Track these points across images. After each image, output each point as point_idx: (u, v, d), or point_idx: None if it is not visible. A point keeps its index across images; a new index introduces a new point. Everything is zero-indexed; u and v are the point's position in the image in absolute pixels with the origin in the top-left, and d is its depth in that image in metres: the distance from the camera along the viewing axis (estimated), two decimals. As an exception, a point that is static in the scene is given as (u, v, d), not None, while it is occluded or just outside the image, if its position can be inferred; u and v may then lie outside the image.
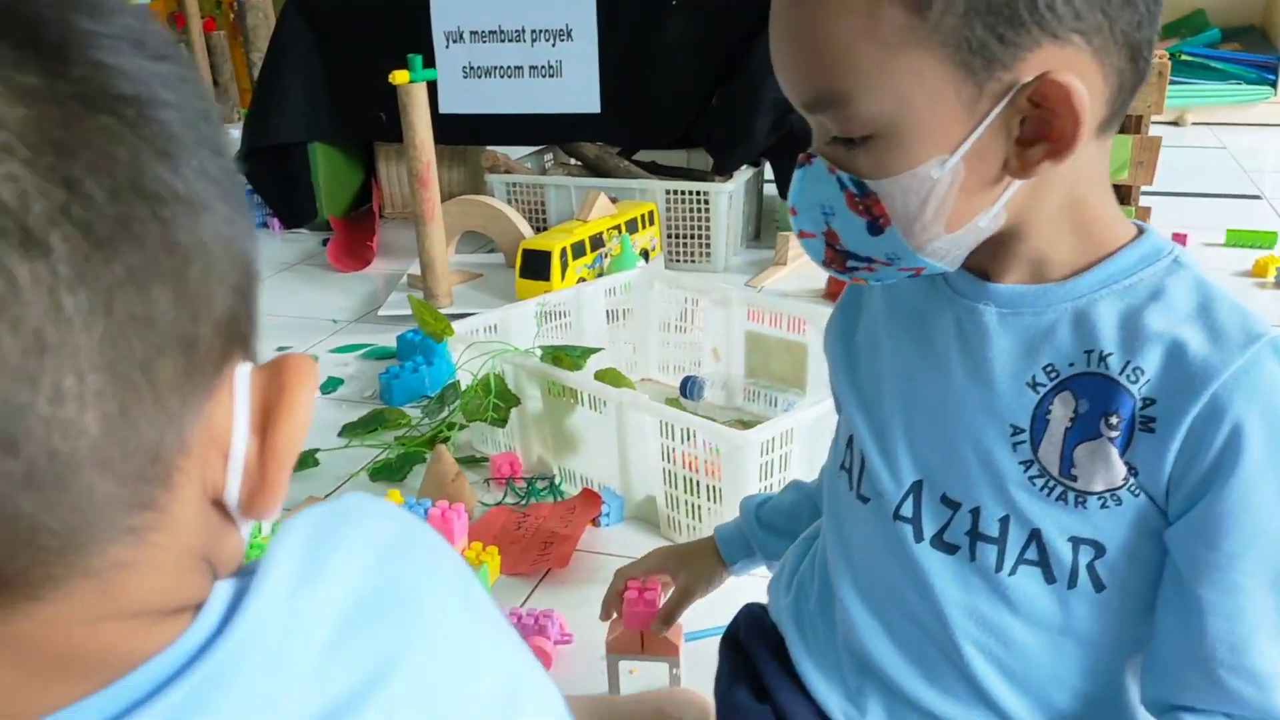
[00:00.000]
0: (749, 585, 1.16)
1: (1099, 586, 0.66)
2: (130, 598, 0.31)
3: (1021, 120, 0.59)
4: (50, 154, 0.27)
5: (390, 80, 2.04)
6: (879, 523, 0.74)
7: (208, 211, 0.31)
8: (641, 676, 1.09)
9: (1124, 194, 2.22)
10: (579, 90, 2.54)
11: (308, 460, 1.60)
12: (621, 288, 1.88)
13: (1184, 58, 4.07)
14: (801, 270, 2.41)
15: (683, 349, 1.86)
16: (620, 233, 2.25)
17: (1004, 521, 0.67)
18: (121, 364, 0.28)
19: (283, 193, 2.80)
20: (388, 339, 2.09)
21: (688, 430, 1.34)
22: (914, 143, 0.59)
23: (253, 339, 0.34)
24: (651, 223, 2.37)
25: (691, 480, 1.36)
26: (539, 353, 1.57)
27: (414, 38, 2.55)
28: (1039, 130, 0.59)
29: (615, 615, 1.02)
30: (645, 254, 2.32)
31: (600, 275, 2.12)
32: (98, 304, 0.28)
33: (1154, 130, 2.22)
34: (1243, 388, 0.59)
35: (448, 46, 2.61)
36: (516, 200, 2.57)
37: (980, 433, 0.67)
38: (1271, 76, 4.02)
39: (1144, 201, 2.31)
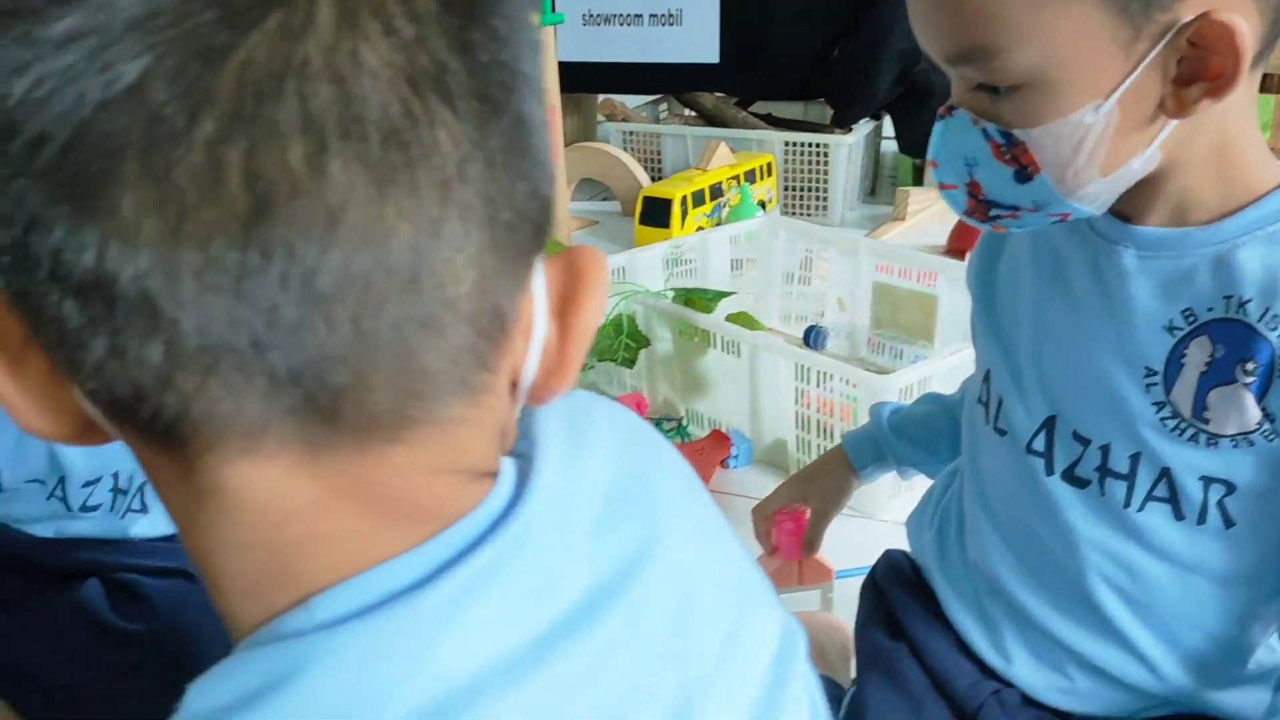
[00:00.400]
0: (890, 532, 1.16)
1: (1229, 523, 0.66)
2: (460, 454, 0.33)
3: (1179, 60, 0.58)
4: (456, 17, 0.29)
5: (519, 24, 2.05)
6: (1012, 455, 0.75)
7: (540, 102, 0.32)
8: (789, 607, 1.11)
9: (1266, 155, 2.13)
10: (698, 39, 2.53)
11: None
12: (744, 236, 1.88)
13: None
14: (920, 226, 2.37)
15: (805, 299, 1.85)
16: (739, 183, 2.24)
17: (1134, 459, 0.68)
18: (495, 226, 0.30)
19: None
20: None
21: (824, 373, 1.34)
22: (1066, 91, 0.59)
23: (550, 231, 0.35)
24: (769, 174, 2.36)
25: (824, 424, 1.36)
26: (670, 295, 1.59)
27: (535, -16, 2.56)
28: (1196, 69, 0.58)
29: (763, 554, 1.04)
30: (762, 205, 2.31)
31: (719, 225, 2.12)
32: (484, 166, 0.29)
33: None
34: None
35: (568, -6, 2.62)
36: (632, 149, 2.58)
37: (1112, 373, 0.67)
38: None
39: (1285, 164, 2.22)
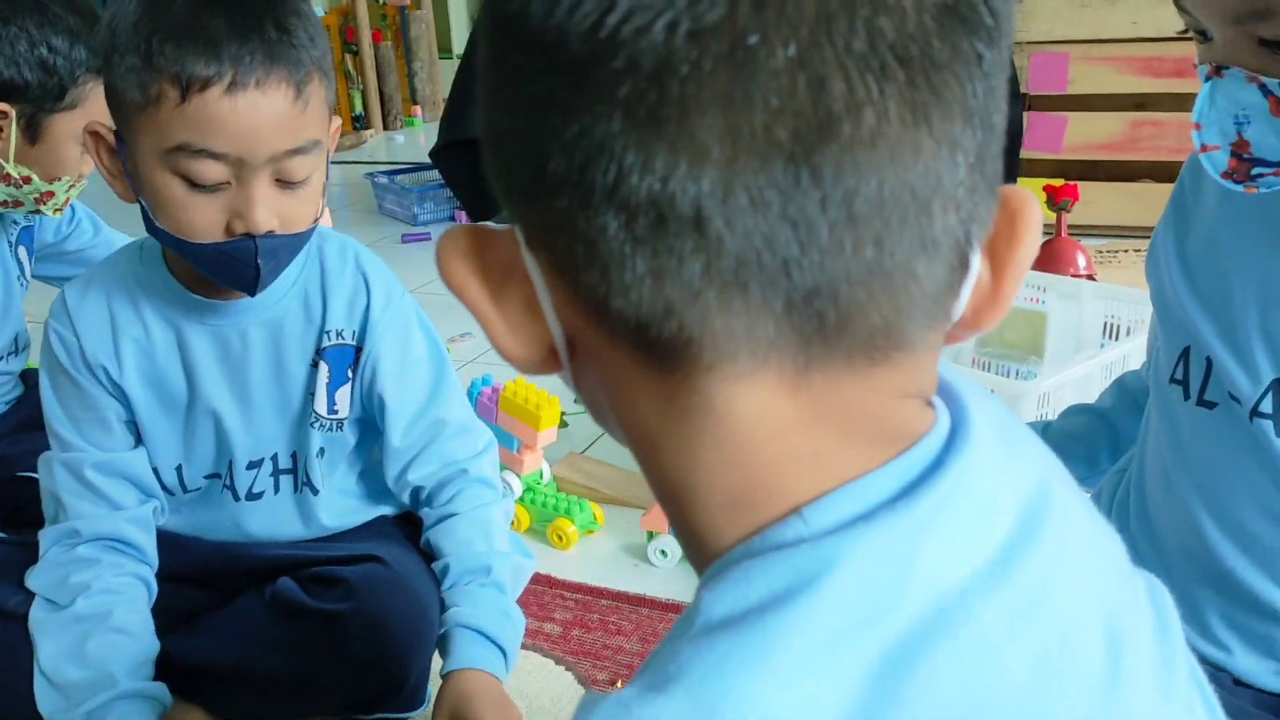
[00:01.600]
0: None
1: None
2: (920, 379, 0.34)
3: None
4: None
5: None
6: (1229, 425, 0.75)
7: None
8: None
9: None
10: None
11: (560, 421, 1.66)
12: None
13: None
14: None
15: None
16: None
17: None
18: (986, 156, 0.32)
19: (475, 185, 2.90)
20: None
21: (958, 384, 1.34)
22: None
23: None
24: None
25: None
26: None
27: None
28: None
29: None
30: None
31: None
32: (989, 97, 0.31)
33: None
34: None
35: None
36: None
37: None
38: None
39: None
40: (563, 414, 1.71)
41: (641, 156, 0.29)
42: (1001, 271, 0.35)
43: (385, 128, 4.80)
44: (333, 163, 0.90)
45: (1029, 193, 0.36)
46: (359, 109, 4.79)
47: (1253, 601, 0.76)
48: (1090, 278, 2.08)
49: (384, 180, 3.26)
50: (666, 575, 1.28)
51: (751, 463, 0.33)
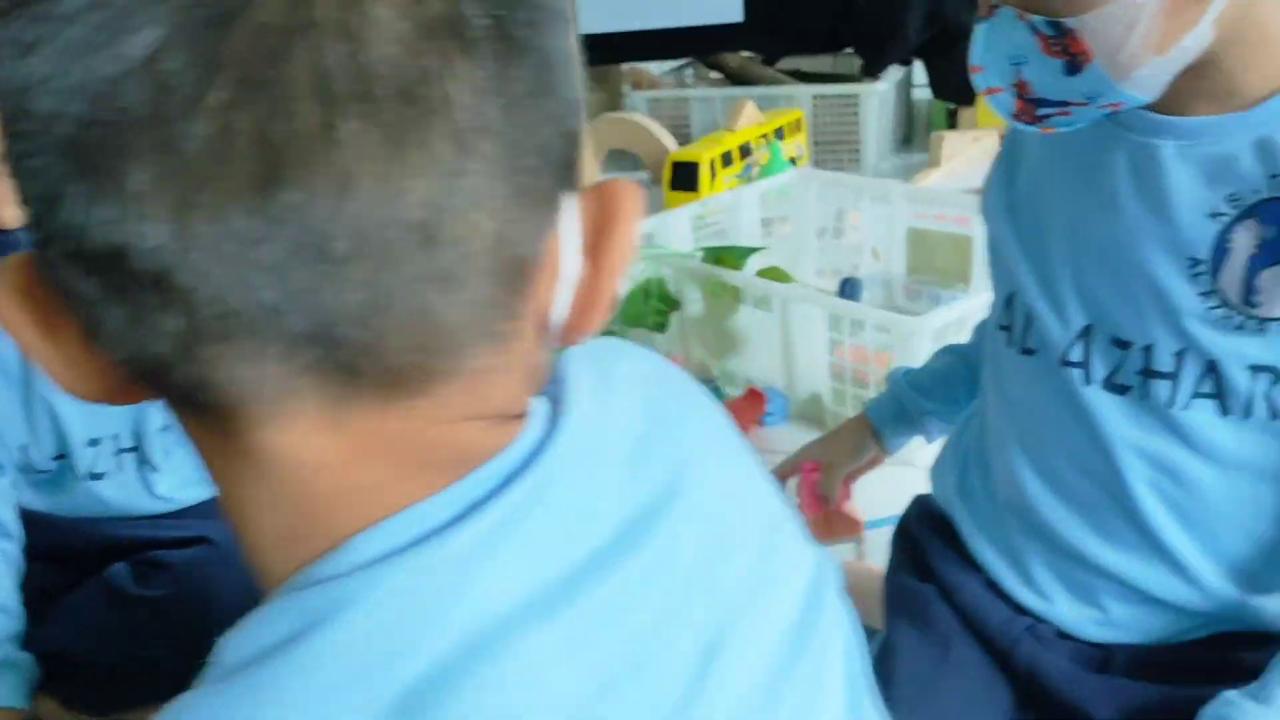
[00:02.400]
0: (921, 478, 1.15)
1: (1275, 414, 0.66)
2: (487, 402, 0.33)
3: None
4: None
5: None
6: (1045, 373, 0.74)
7: (566, 31, 0.31)
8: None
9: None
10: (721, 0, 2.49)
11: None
12: (775, 192, 1.85)
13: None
14: (955, 171, 2.32)
15: (839, 253, 1.82)
16: (769, 141, 2.21)
17: (1179, 356, 0.68)
18: (517, 173, 0.29)
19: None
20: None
21: (857, 321, 1.32)
22: None
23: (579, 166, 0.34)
24: (798, 130, 2.32)
25: (860, 373, 1.34)
26: (699, 255, 1.57)
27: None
28: None
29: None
30: (793, 162, 2.27)
31: (748, 184, 2.09)
32: (505, 113, 0.28)
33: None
34: None
35: (585, -36, 2.60)
36: (660, 116, 2.55)
37: (1155, 268, 0.68)
38: None
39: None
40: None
41: (91, 208, 0.27)
42: (598, 272, 0.34)
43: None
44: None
45: (629, 185, 0.34)
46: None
47: (1071, 550, 0.76)
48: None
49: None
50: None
51: (298, 499, 0.32)
